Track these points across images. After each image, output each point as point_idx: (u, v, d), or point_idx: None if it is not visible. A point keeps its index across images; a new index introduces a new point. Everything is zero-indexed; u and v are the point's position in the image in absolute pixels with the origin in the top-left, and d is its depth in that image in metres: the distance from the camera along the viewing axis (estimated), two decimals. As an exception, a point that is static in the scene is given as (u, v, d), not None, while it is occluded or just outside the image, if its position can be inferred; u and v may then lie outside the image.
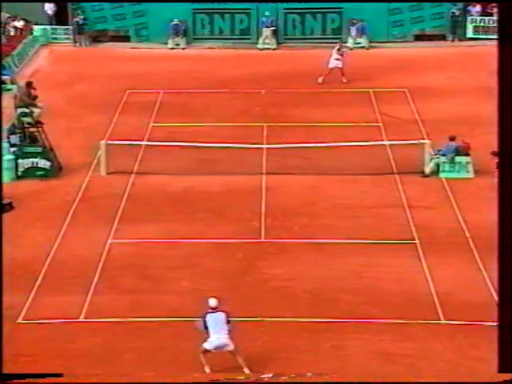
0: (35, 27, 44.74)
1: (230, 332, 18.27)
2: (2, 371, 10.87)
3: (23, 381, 9.92)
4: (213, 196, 27.17)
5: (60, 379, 10.32)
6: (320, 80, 37.92)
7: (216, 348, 18.32)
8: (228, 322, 18.34)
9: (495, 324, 19.97)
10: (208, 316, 18.29)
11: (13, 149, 28.71)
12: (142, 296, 21.66)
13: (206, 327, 18.31)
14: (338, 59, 38.13)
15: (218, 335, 18.24)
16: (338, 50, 38.29)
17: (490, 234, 24.20)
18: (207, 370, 18.27)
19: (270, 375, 16.17)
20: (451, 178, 28.16)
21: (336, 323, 20.18)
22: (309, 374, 17.27)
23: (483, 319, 20.33)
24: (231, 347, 18.30)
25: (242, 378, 16.97)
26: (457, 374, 18.47)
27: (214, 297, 18.57)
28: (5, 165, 28.32)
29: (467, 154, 28.67)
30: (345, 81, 38.07)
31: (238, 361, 18.28)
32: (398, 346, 19.53)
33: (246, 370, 18.16)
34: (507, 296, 9.70)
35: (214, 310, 18.36)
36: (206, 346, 18.32)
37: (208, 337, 18.26)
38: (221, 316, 18.34)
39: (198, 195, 27.24)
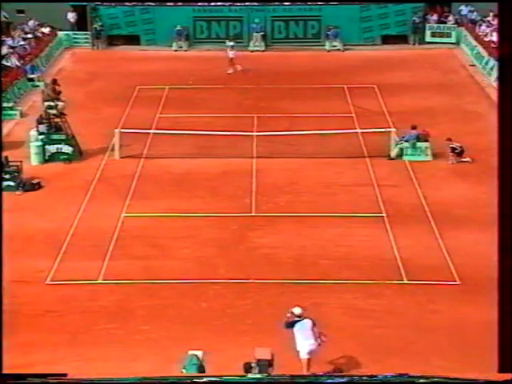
0: (59, 33, 44.49)
1: (317, 337, 16.53)
2: (1, 371, 10.38)
3: (23, 381, 9.38)
4: (210, 177, 27.12)
5: (62, 379, 9.80)
6: (230, 71, 39.21)
7: (308, 354, 16.47)
8: (314, 325, 16.57)
9: (449, 283, 20.22)
10: (297, 324, 16.54)
11: (41, 136, 28.64)
12: (150, 261, 21.65)
13: (289, 327, 16.61)
14: (232, 51, 39.70)
15: (306, 341, 16.50)
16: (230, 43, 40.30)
17: (446, 208, 24.46)
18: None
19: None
20: (413, 161, 28.12)
21: (315, 284, 20.22)
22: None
23: (439, 279, 20.48)
24: (311, 355, 16.53)
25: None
26: (417, 325, 18.58)
27: (298, 305, 16.92)
28: (34, 150, 28.34)
29: (426, 141, 28.67)
30: (230, 71, 39.03)
31: (304, 365, 16.49)
32: (368, 302, 19.58)
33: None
34: (507, 296, 9.43)
35: (300, 317, 16.66)
36: (302, 356, 16.50)
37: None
38: (308, 323, 16.59)
39: (197, 176, 27.18)
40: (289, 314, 16.71)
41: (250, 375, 13.77)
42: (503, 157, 9.72)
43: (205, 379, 9.97)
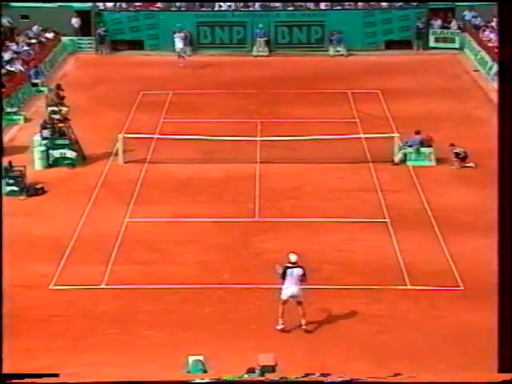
0: (64, 38, 44.56)
1: (302, 284, 18.22)
2: (1, 371, 10.41)
3: (22, 380, 9.37)
4: (214, 182, 27.13)
5: (59, 379, 9.84)
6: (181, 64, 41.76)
7: (289, 297, 18.23)
8: (303, 275, 18.18)
9: (452, 288, 20.20)
10: (288, 270, 18.12)
11: (44, 141, 28.69)
12: (153, 266, 21.65)
13: (284, 277, 18.19)
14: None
15: (290, 286, 18.13)
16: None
17: (449, 213, 24.45)
18: (280, 324, 18.33)
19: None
20: (416, 166, 28.12)
21: (318, 289, 20.14)
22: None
23: (442, 284, 20.46)
24: (300, 298, 18.24)
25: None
26: (420, 330, 18.56)
27: (294, 252, 18.50)
28: (38, 155, 28.39)
29: (430, 146, 28.68)
30: (181, 65, 41.76)
31: (299, 312, 18.27)
32: (371, 308, 19.54)
33: (303, 322, 18.30)
34: (507, 296, 9.40)
35: (295, 263, 18.19)
36: (282, 296, 18.27)
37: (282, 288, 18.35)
38: (298, 271, 18.16)
39: (201, 181, 27.19)
40: (279, 270, 18.19)
41: (246, 376, 13.74)
42: (503, 159, 9.72)
43: (206, 380, 9.99)
